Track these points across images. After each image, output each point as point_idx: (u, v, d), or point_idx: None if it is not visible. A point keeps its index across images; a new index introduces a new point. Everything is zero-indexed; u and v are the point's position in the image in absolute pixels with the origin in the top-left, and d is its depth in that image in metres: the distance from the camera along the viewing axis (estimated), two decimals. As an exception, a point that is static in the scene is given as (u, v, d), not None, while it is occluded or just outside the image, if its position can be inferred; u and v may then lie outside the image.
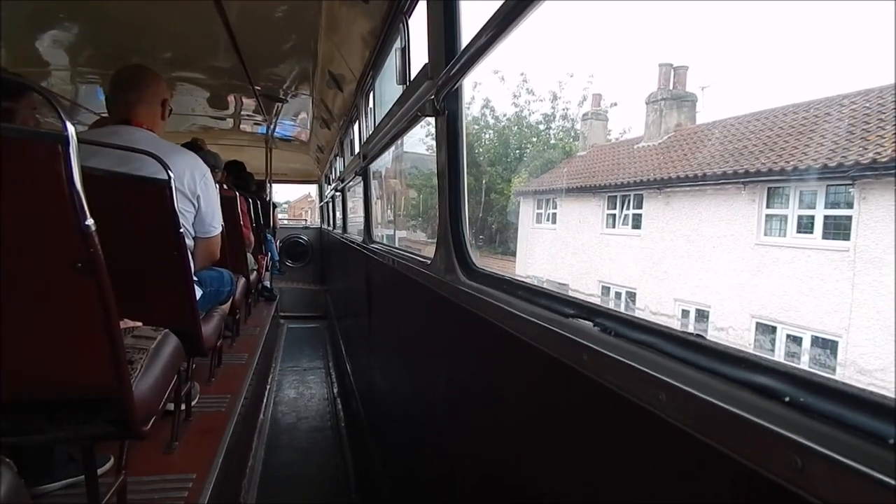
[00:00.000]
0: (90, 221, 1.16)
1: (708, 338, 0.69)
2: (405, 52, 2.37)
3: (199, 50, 3.88)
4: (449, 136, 1.63)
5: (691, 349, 0.71)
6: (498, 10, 1.17)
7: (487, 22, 1.23)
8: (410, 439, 2.49)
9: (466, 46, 1.40)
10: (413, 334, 2.44)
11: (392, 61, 2.57)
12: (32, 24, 3.33)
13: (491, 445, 1.39)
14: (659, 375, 0.70)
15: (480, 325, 1.33)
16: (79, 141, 1.12)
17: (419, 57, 2.07)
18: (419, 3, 2.10)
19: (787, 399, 0.56)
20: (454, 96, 1.58)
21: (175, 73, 4.46)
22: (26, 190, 1.15)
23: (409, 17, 2.34)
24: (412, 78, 2.24)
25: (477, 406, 1.51)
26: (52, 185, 1.13)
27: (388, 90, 3.05)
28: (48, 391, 1.36)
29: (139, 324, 1.83)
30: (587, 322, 0.94)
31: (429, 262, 1.96)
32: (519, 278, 1.26)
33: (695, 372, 0.68)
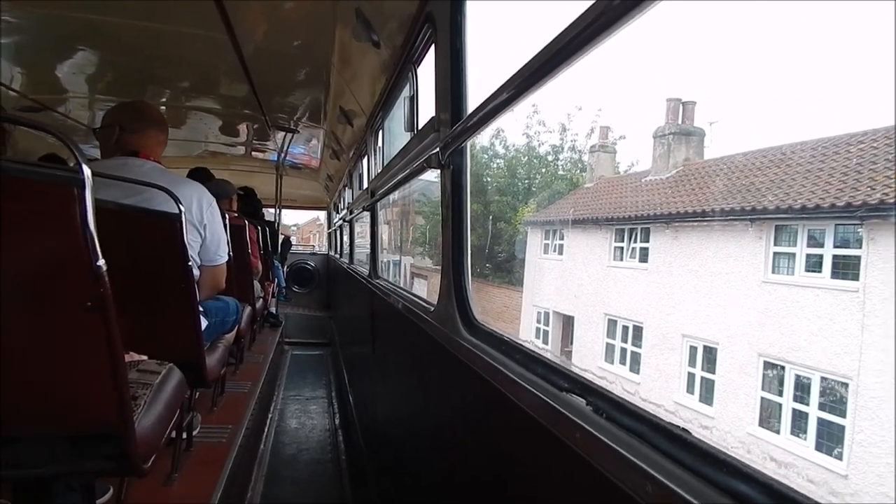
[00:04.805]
0: (102, 262, 1.17)
1: (693, 434, 0.71)
2: (413, 101, 2.42)
3: (214, 80, 3.97)
4: (453, 190, 1.66)
5: (678, 444, 0.73)
6: (507, 81, 1.19)
7: (496, 91, 1.25)
8: (410, 478, 2.48)
9: (473, 112, 1.43)
10: (414, 374, 2.44)
11: (401, 105, 2.63)
12: (53, 52, 3.42)
13: (490, 496, 1.40)
14: (646, 467, 0.71)
15: (479, 382, 1.34)
16: (93, 174, 1.14)
17: (428, 101, 2.12)
18: (429, 53, 2.15)
19: None
20: (459, 153, 1.62)
21: (189, 101, 4.56)
22: (41, 230, 1.17)
23: (419, 66, 2.40)
24: (420, 127, 2.29)
25: (476, 456, 1.51)
26: (66, 225, 1.14)
27: (396, 131, 3.11)
28: (51, 425, 1.37)
29: (144, 357, 1.86)
30: (580, 399, 0.95)
31: (431, 308, 1.98)
32: (518, 341, 1.28)
33: (680, 469, 0.70)
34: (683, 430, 0.74)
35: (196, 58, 3.42)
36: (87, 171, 1.11)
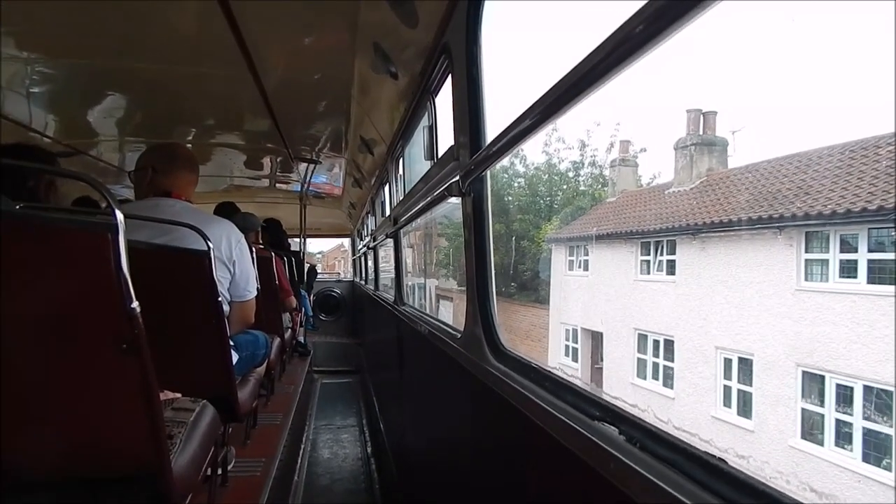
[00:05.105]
0: (135, 304, 1.19)
1: (730, 463, 0.69)
2: (432, 130, 2.44)
3: (238, 116, 4.05)
4: (475, 216, 1.66)
5: (714, 474, 0.71)
6: (527, 110, 1.19)
7: (515, 119, 1.25)
8: None
9: (493, 140, 1.43)
10: (443, 401, 2.42)
11: (420, 134, 2.65)
12: (83, 99, 3.53)
13: None
14: (684, 499, 0.70)
15: (507, 408, 1.33)
16: (125, 217, 1.16)
17: (446, 129, 2.13)
18: (446, 82, 2.17)
19: None
20: (480, 180, 1.62)
21: (215, 138, 4.66)
22: (76, 274, 1.20)
23: (436, 96, 2.42)
24: (440, 155, 2.32)
25: (508, 483, 1.49)
26: (100, 270, 1.17)
27: (417, 158, 3.13)
28: (90, 468, 1.38)
29: (178, 395, 1.88)
30: (612, 428, 0.94)
31: (458, 335, 1.98)
32: (547, 368, 1.26)
33: (718, 500, 0.68)
34: (720, 459, 0.72)
35: (220, 96, 3.51)
36: (119, 215, 1.14)
